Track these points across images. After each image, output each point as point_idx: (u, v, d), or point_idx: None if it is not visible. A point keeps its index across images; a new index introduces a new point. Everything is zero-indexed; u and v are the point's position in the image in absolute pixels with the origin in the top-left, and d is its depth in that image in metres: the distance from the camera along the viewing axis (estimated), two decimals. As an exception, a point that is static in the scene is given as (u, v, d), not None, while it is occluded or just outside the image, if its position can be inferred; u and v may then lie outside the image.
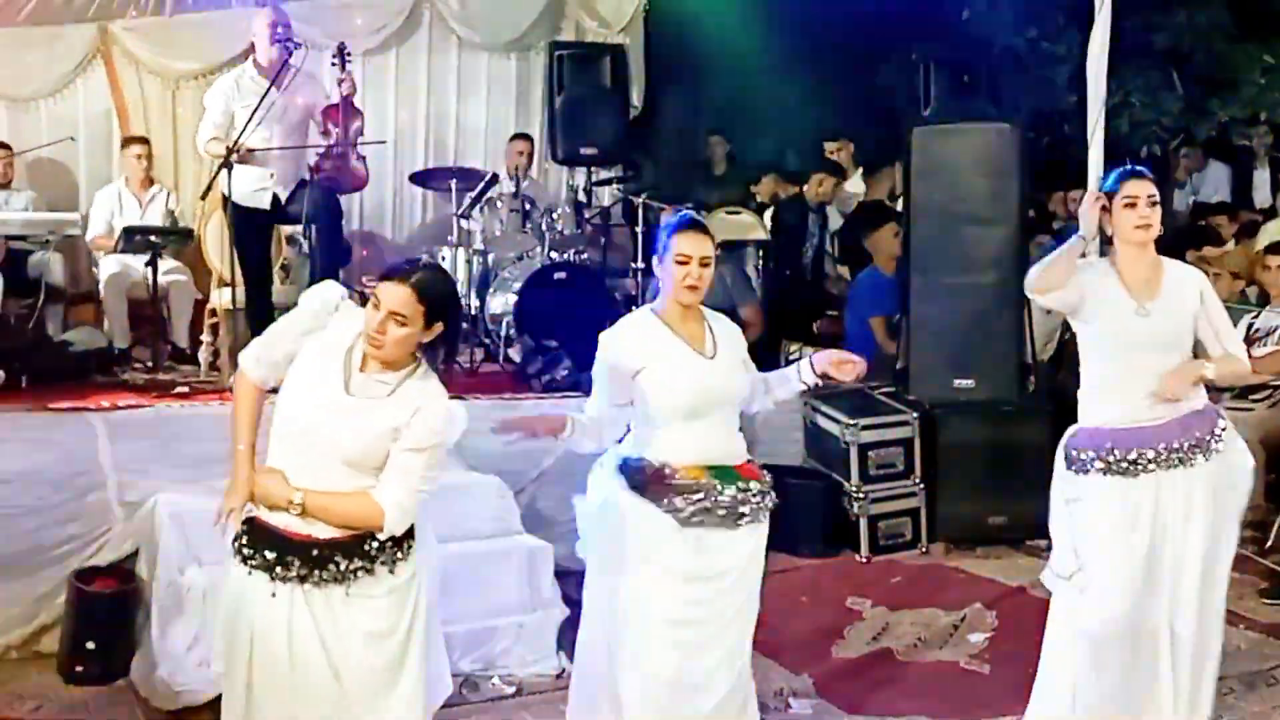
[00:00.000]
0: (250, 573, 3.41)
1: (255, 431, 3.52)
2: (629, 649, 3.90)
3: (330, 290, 3.57)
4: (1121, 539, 4.28)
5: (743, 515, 3.93)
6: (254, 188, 6.92)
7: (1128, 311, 4.26)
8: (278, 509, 3.38)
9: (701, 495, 3.86)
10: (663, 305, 4.00)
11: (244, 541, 3.43)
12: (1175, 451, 4.24)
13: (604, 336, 3.98)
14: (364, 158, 7.39)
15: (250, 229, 7.02)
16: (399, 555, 3.45)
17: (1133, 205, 4.26)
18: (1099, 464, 4.27)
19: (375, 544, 3.42)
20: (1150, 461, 4.24)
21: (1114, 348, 4.31)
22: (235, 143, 6.69)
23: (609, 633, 3.96)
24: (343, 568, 3.39)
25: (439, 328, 3.43)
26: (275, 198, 6.98)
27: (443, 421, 3.42)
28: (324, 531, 3.38)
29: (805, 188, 9.76)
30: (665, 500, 3.86)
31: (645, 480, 3.89)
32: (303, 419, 3.39)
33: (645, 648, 3.88)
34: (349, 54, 7.23)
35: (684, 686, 3.91)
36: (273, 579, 3.38)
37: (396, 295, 3.33)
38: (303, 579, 3.37)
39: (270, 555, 3.38)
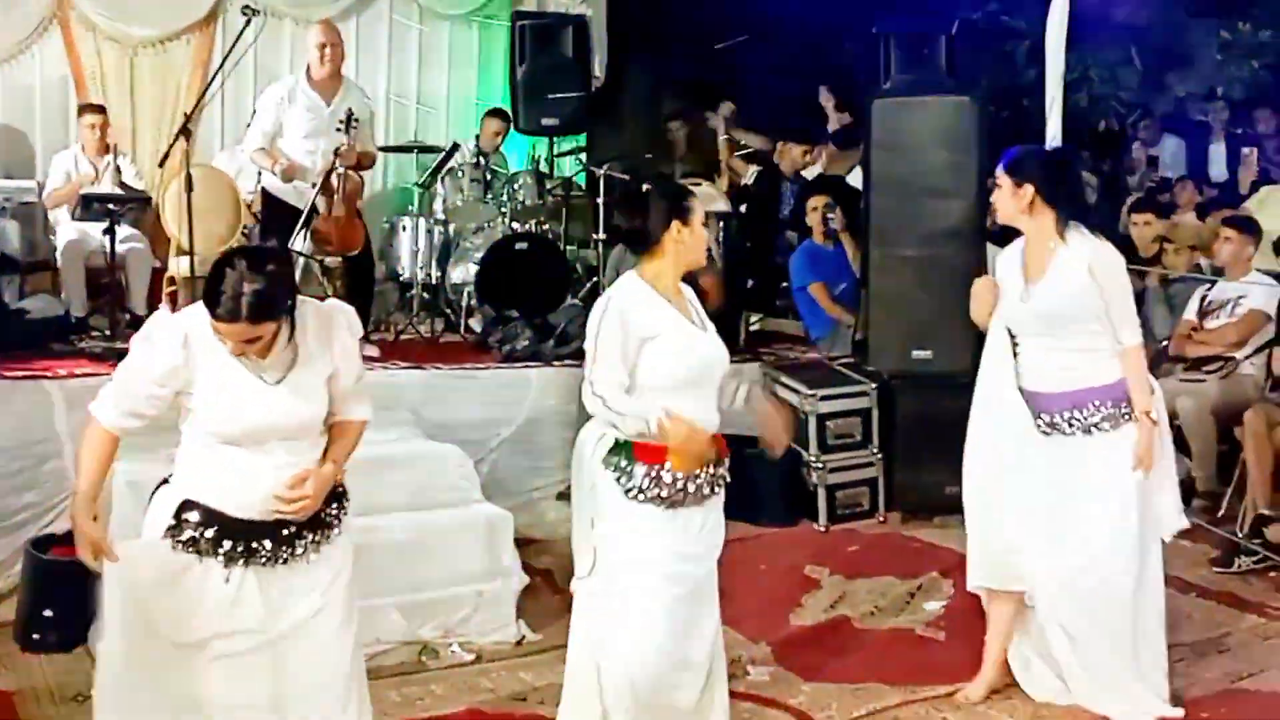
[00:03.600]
0: (180, 550, 3.39)
1: (102, 481, 3.45)
2: (622, 639, 3.81)
3: (160, 338, 3.39)
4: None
5: (713, 491, 3.91)
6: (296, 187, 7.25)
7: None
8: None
9: (685, 476, 3.80)
10: (656, 275, 3.88)
11: (192, 532, 3.40)
12: (1067, 420, 4.55)
13: (618, 302, 3.81)
14: None
15: (278, 220, 7.29)
16: (342, 515, 3.56)
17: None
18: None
19: (329, 511, 3.51)
20: (1049, 424, 4.58)
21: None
22: (275, 149, 7.26)
23: (600, 633, 3.88)
24: (307, 540, 3.46)
25: (290, 305, 3.38)
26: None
27: (350, 331, 3.52)
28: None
29: (776, 157, 9.69)
30: (651, 486, 3.78)
31: (634, 454, 3.80)
32: (245, 425, 3.37)
33: (640, 635, 3.80)
34: (356, 121, 7.27)
35: (675, 668, 3.87)
36: (217, 558, 3.38)
37: (239, 332, 3.28)
38: (266, 560, 3.40)
39: (228, 544, 3.38)
